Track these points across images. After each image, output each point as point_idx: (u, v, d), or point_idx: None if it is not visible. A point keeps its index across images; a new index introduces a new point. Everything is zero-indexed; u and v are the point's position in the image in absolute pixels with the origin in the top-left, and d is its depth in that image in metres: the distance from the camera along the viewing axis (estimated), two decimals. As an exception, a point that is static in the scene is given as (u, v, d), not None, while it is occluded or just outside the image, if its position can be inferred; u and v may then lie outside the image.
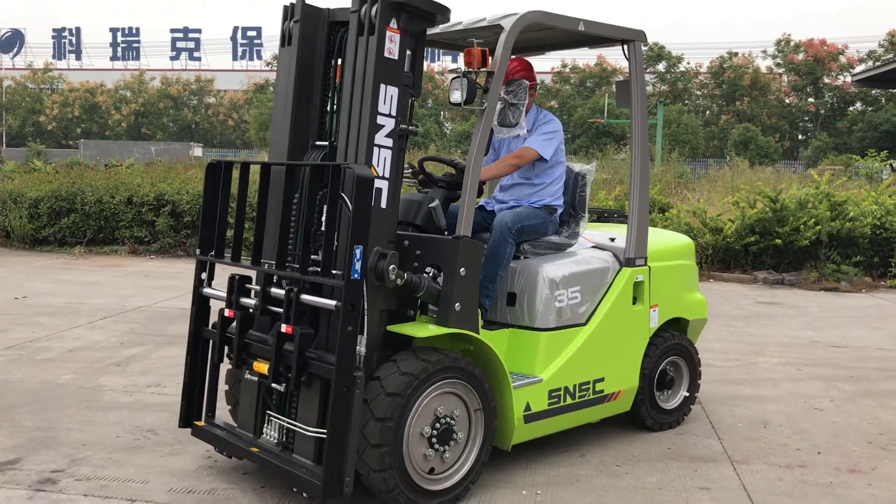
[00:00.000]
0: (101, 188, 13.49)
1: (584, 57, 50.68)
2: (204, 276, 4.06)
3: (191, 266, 12.90)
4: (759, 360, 6.86)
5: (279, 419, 3.77)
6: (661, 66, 50.31)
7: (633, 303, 4.65)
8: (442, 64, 51.00)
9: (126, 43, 62.57)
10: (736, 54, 50.41)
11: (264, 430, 3.87)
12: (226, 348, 3.96)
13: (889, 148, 29.71)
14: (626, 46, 4.60)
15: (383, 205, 3.63)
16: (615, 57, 47.55)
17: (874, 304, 10.03)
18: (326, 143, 3.87)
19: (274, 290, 3.74)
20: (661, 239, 5.21)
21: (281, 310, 3.66)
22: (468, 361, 3.70)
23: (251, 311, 3.83)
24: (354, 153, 3.63)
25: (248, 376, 3.85)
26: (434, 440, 3.60)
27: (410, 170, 4.43)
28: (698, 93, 52.78)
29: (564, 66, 50.68)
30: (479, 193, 4.26)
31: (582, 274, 4.46)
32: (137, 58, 61.90)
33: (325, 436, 3.51)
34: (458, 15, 4.20)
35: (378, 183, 3.58)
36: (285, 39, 3.95)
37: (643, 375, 4.69)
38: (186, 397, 4.08)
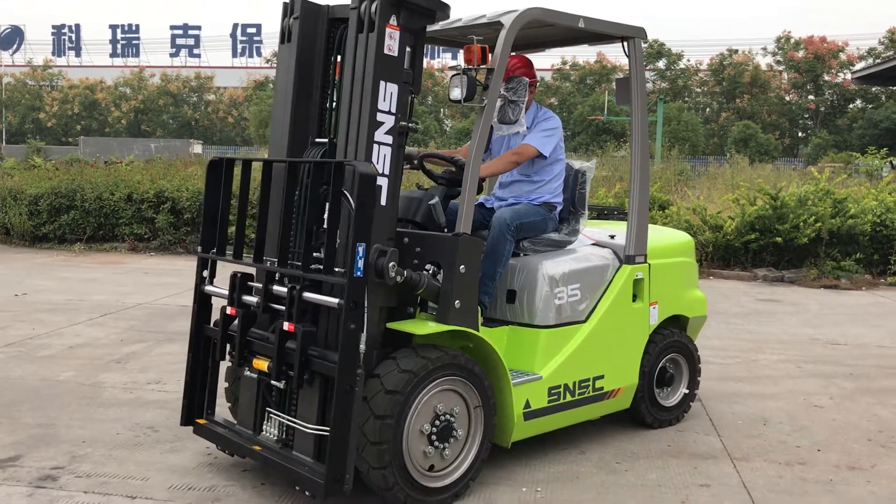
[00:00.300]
0: (101, 185, 13.49)
1: (584, 54, 50.71)
2: (205, 273, 4.04)
3: (190, 263, 12.92)
4: (758, 357, 6.86)
5: (279, 416, 3.77)
6: (661, 64, 50.29)
7: (633, 300, 4.65)
8: (442, 61, 50.95)
9: (126, 40, 62.53)
10: (736, 51, 50.41)
11: (264, 427, 3.87)
12: (227, 346, 3.95)
13: (889, 145, 29.67)
14: (626, 43, 4.60)
15: (383, 202, 3.62)
16: (615, 54, 47.59)
17: (874, 301, 10.03)
18: (326, 140, 3.87)
19: (276, 287, 3.73)
20: (660, 236, 5.21)
21: (282, 307, 3.66)
22: (468, 359, 3.70)
23: (253, 308, 3.83)
24: (354, 150, 3.63)
25: (247, 373, 3.85)
26: (434, 437, 3.61)
27: (408, 165, 4.43)
28: (698, 90, 52.77)
29: (564, 63, 50.67)
30: (479, 190, 4.26)
31: (582, 271, 4.46)
32: (137, 55, 61.88)
33: (325, 433, 3.52)
34: (458, 12, 4.20)
35: (378, 180, 3.57)
36: (285, 36, 3.95)
37: (643, 373, 4.69)
38: (188, 395, 4.07)
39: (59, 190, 13.46)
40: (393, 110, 3.64)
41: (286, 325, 3.56)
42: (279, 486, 3.83)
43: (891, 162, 25.01)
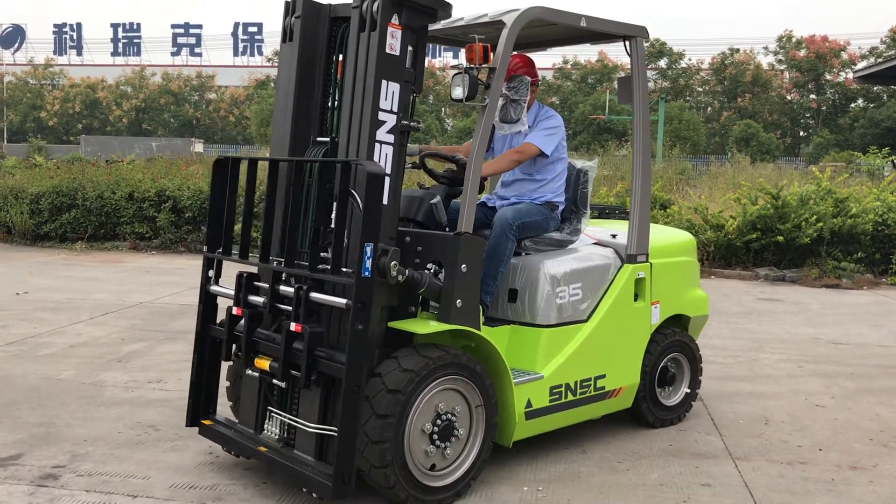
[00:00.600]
0: (102, 184, 13.50)
1: (586, 53, 50.77)
2: (211, 273, 4.03)
3: (191, 262, 12.93)
4: (760, 356, 6.85)
5: (280, 415, 3.77)
6: (662, 63, 50.26)
7: (635, 299, 4.65)
8: (443, 60, 50.95)
9: (127, 38, 62.58)
10: (737, 50, 50.38)
11: (265, 426, 3.87)
12: (233, 346, 3.94)
13: (891, 145, 29.65)
14: (627, 43, 4.59)
15: (385, 201, 3.62)
16: (616, 53, 47.63)
17: (875, 301, 10.02)
18: (327, 139, 3.87)
19: (282, 287, 3.72)
20: (662, 235, 5.20)
21: (288, 307, 3.65)
22: (469, 358, 3.70)
23: (259, 309, 3.82)
24: (356, 149, 3.62)
25: (249, 372, 3.84)
26: (435, 437, 3.60)
27: (410, 165, 4.42)
28: (700, 89, 52.73)
29: (566, 62, 50.65)
30: (481, 189, 4.26)
31: (583, 270, 4.45)
32: (138, 53, 61.94)
33: (329, 433, 3.52)
34: (460, 11, 4.19)
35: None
36: (286, 35, 3.94)
37: (644, 372, 4.68)
38: (193, 396, 4.07)
39: (61, 189, 13.46)
40: (394, 109, 3.63)
41: (293, 326, 3.55)
42: (281, 485, 3.83)
43: (892, 161, 25.00)
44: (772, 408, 5.37)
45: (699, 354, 5.09)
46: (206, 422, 4.05)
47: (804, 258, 11.46)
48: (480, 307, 3.96)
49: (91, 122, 55.70)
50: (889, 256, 11.43)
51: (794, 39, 49.82)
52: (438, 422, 3.61)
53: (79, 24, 62.92)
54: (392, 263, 3.48)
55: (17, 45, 62.52)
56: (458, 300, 3.73)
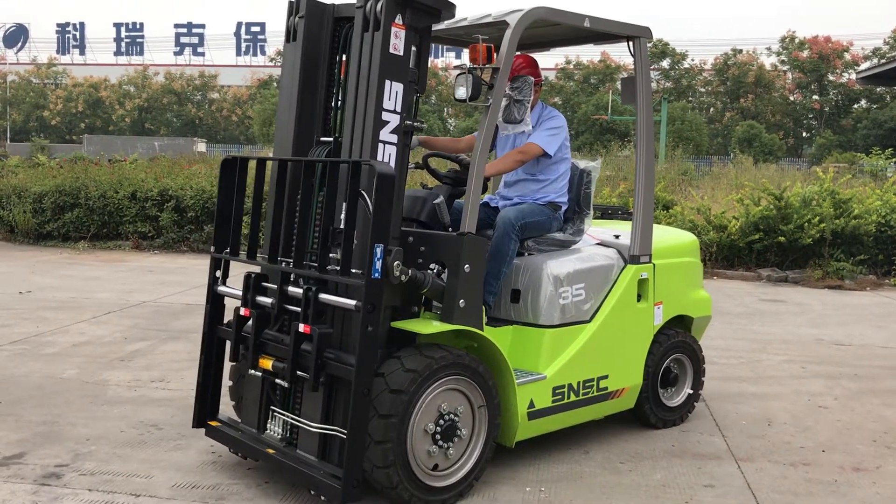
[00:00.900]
0: (105, 183, 13.52)
1: (588, 53, 50.70)
2: (218, 273, 4.03)
3: (194, 261, 12.92)
4: (762, 357, 6.85)
5: (284, 415, 3.77)
6: (665, 63, 50.22)
7: (638, 300, 4.64)
8: (446, 60, 50.95)
9: (130, 38, 62.64)
10: (740, 51, 50.35)
11: (268, 425, 3.87)
12: (240, 347, 3.94)
13: (894, 145, 29.58)
14: (631, 43, 4.59)
15: (392, 201, 3.61)
16: (619, 53, 47.53)
17: (878, 302, 10.01)
18: (331, 138, 3.87)
19: (291, 288, 3.71)
20: (665, 236, 5.20)
21: (296, 308, 3.64)
22: (472, 358, 3.70)
23: (267, 309, 3.81)
24: (359, 149, 3.62)
25: (252, 372, 3.84)
26: (438, 437, 3.60)
27: (413, 165, 4.42)
28: (702, 90, 52.69)
29: (568, 62, 50.62)
30: (484, 189, 4.26)
31: (586, 271, 4.45)
32: (141, 53, 61.98)
33: (331, 432, 3.52)
34: (463, 11, 4.19)
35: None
36: (290, 35, 3.94)
37: (647, 373, 4.68)
38: (200, 397, 4.07)
39: (64, 188, 13.48)
40: (398, 109, 3.63)
41: (302, 327, 3.55)
42: (283, 485, 3.83)
43: (895, 162, 24.94)
44: (775, 409, 5.36)
45: (702, 355, 5.09)
46: (213, 423, 4.05)
47: (807, 259, 11.45)
48: (483, 307, 3.96)
49: (94, 122, 55.76)
50: (892, 257, 11.42)
51: (797, 40, 49.77)
52: (441, 422, 3.61)
53: (82, 24, 63.02)
54: (395, 263, 3.48)
55: (20, 44, 62.60)
56: (461, 300, 3.73)
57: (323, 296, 3.54)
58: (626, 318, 4.57)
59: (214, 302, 4.04)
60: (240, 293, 3.89)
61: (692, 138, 39.31)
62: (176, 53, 61.73)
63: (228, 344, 4.00)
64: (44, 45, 62.48)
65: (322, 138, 3.91)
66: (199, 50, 61.93)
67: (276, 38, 57.63)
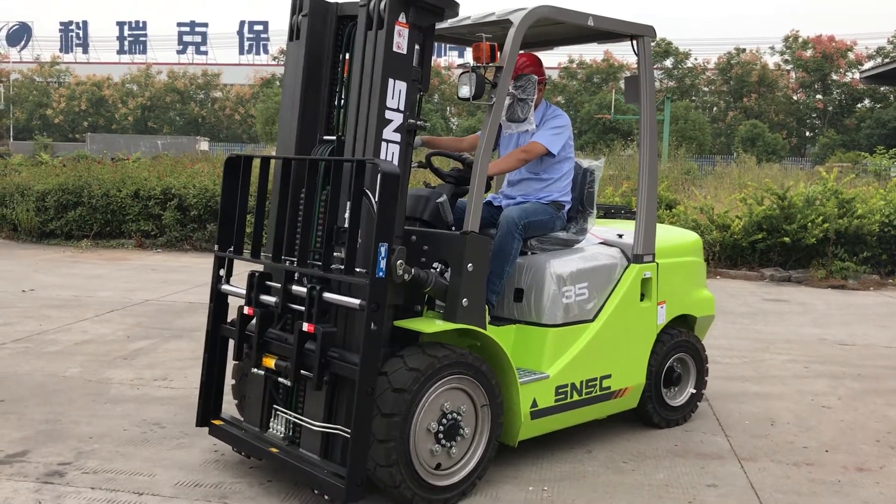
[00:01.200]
0: (108, 182, 13.52)
1: (591, 52, 50.67)
2: (222, 272, 4.02)
3: (197, 260, 12.91)
4: (765, 357, 6.84)
5: (286, 414, 3.77)
6: (668, 62, 50.18)
7: (641, 299, 4.64)
8: (448, 59, 50.95)
9: (133, 36, 62.71)
10: (744, 50, 50.30)
11: (271, 424, 3.87)
12: (244, 346, 3.93)
13: (897, 145, 29.57)
14: (635, 42, 4.58)
15: (397, 200, 3.60)
16: (622, 53, 47.55)
17: (882, 301, 9.99)
18: (334, 137, 3.86)
19: (295, 287, 3.71)
20: (668, 235, 5.19)
21: (300, 307, 3.64)
22: (475, 357, 3.70)
23: (271, 308, 3.81)
24: (362, 148, 3.62)
25: (255, 370, 3.84)
26: (441, 436, 3.60)
27: (417, 164, 4.42)
28: (706, 89, 52.64)
29: (571, 61, 50.60)
30: (487, 189, 4.25)
31: (589, 270, 4.44)
32: (144, 51, 62.04)
33: (334, 431, 3.52)
34: (467, 10, 4.18)
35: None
36: (293, 33, 3.94)
37: (650, 372, 4.67)
38: (203, 395, 4.06)
39: (67, 186, 13.49)
40: (401, 108, 3.63)
41: (306, 326, 3.55)
42: (286, 484, 3.83)
43: (899, 162, 24.90)
44: (778, 408, 5.36)
45: (705, 355, 5.08)
46: (216, 421, 4.05)
47: (810, 259, 11.43)
48: (486, 306, 3.95)
49: (97, 120, 55.82)
50: (895, 257, 11.39)
51: (800, 39, 49.70)
52: (444, 421, 3.61)
53: (85, 22, 63.10)
54: (398, 262, 3.48)
55: (23, 42, 62.67)
56: (464, 299, 3.73)
57: (327, 295, 3.54)
58: (629, 317, 4.56)
59: (218, 301, 4.04)
60: (243, 292, 3.89)
61: (695, 137, 39.28)
62: (179, 52, 61.80)
63: (232, 343, 4.00)
64: (47, 44, 62.64)
65: (325, 137, 3.91)
66: (203, 48, 61.97)
67: (279, 36, 57.66)
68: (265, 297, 3.83)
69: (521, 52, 4.41)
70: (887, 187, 12.98)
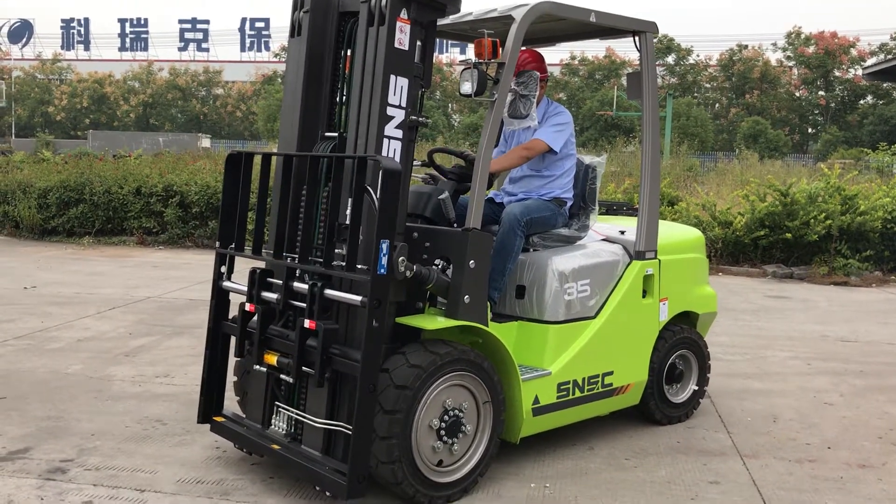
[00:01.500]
0: (110, 179, 13.52)
1: (593, 49, 50.59)
2: (223, 269, 4.02)
3: (199, 256, 12.91)
4: (767, 354, 6.83)
5: (289, 411, 3.77)
6: (670, 59, 50.10)
7: (643, 296, 4.63)
8: (450, 55, 50.88)
9: (134, 33, 62.69)
10: (746, 47, 50.18)
11: (273, 420, 3.87)
12: (245, 343, 3.93)
13: (900, 141, 29.53)
14: (637, 38, 4.57)
15: (398, 197, 3.60)
16: (624, 49, 47.47)
17: (884, 298, 9.98)
18: (336, 134, 3.86)
19: (296, 284, 3.70)
20: (671, 232, 5.18)
21: (301, 304, 3.63)
22: (477, 354, 3.69)
23: (273, 305, 3.80)
24: (364, 144, 3.61)
25: (257, 367, 3.84)
26: (443, 432, 3.60)
27: (420, 162, 4.41)
28: (708, 85, 52.55)
29: (573, 58, 50.52)
30: (489, 185, 4.24)
31: (591, 267, 4.44)
32: (146, 48, 62.04)
33: (337, 428, 3.51)
34: (469, 6, 4.18)
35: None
36: (295, 30, 3.93)
37: (652, 369, 4.67)
38: (205, 392, 4.06)
39: (68, 183, 13.48)
40: (403, 104, 3.62)
41: (307, 323, 3.55)
42: (288, 480, 3.83)
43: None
44: (780, 405, 5.35)
45: (707, 351, 5.08)
46: (218, 418, 4.05)
47: (812, 255, 11.42)
48: (488, 303, 3.95)
49: (98, 117, 55.82)
50: (898, 254, 11.38)
51: (802, 36, 49.60)
52: (446, 418, 3.61)
53: (86, 19, 63.12)
54: (400, 259, 3.47)
55: (24, 39, 62.68)
56: (466, 296, 3.72)
57: (328, 291, 3.54)
58: (631, 314, 4.56)
59: (219, 297, 4.04)
60: (245, 288, 3.89)
61: (697, 134, 39.23)
62: (180, 49, 61.79)
63: (234, 339, 3.99)
64: (48, 41, 62.57)
65: (327, 133, 3.90)
66: (204, 45, 61.95)
67: (280, 33, 57.60)
68: (266, 294, 3.82)
69: (523, 48, 4.40)
70: (890, 184, 12.96)
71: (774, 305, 9.21)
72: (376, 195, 3.35)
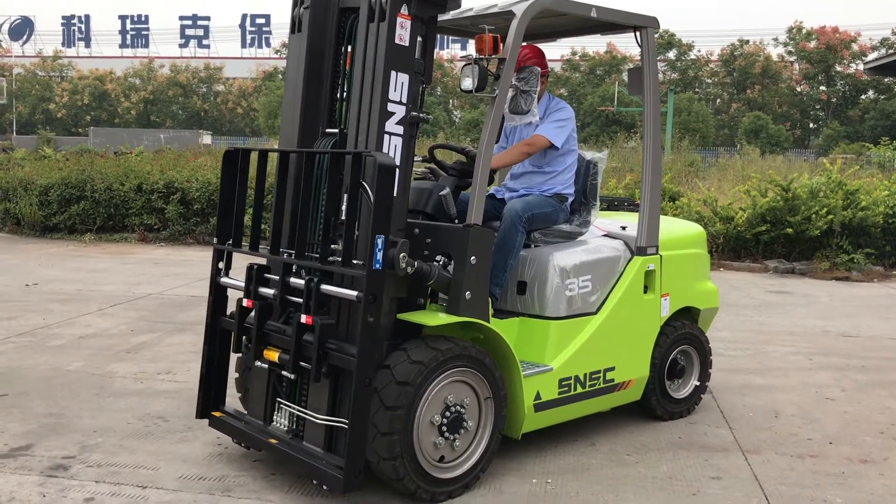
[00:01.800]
0: (111, 176, 13.52)
1: (594, 44, 50.47)
2: (221, 265, 4.03)
3: (200, 253, 12.91)
4: (769, 349, 6.83)
5: (290, 407, 3.77)
6: (671, 54, 50.03)
7: (645, 292, 4.63)
8: (451, 51, 50.81)
9: (135, 30, 62.60)
10: (747, 42, 50.10)
11: (274, 417, 3.87)
12: (243, 338, 3.94)
13: (901, 136, 29.49)
14: (638, 33, 4.56)
15: (394, 192, 3.60)
16: (625, 44, 47.35)
17: (886, 293, 9.97)
18: (336, 130, 3.85)
19: (293, 279, 3.71)
20: (672, 227, 5.18)
21: (299, 299, 3.64)
22: (478, 350, 3.69)
23: (270, 300, 3.81)
24: (365, 140, 3.61)
25: (258, 364, 3.84)
26: (444, 428, 3.60)
27: (421, 158, 4.41)
28: (709, 81, 52.48)
29: (574, 53, 50.44)
30: (490, 181, 4.24)
31: (593, 262, 4.44)
32: (146, 45, 61.95)
33: (337, 424, 3.52)
34: (469, 1, 4.17)
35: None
36: (295, 26, 3.93)
37: (654, 364, 4.67)
38: (203, 387, 4.07)
39: (70, 180, 13.49)
40: (404, 100, 3.62)
41: (304, 318, 3.55)
42: (289, 477, 3.83)
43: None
44: (782, 401, 5.35)
45: (709, 347, 5.07)
46: (217, 413, 4.06)
47: (814, 250, 11.41)
48: (489, 299, 3.95)
49: (99, 114, 55.79)
50: (900, 249, 11.37)
51: (804, 30, 49.50)
52: (447, 414, 3.61)
53: (87, 16, 63.02)
54: (401, 255, 3.47)
55: (25, 36, 62.59)
56: (468, 292, 3.72)
57: (324, 287, 3.54)
58: (632, 309, 4.56)
59: (217, 293, 4.04)
60: (242, 284, 3.89)
61: (698, 129, 39.18)
62: (181, 46, 61.69)
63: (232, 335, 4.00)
64: (49, 38, 62.61)
65: (328, 130, 3.90)
66: (205, 42, 61.87)
67: (281, 29, 57.51)
68: (264, 290, 3.83)
69: (524, 43, 4.39)
70: (892, 179, 12.93)
71: (776, 301, 9.20)
72: (372, 190, 3.35)
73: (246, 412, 4.10)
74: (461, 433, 3.66)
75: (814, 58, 48.59)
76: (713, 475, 4.04)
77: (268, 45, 60.86)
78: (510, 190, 4.69)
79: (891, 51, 42.23)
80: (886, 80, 45.97)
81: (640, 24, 4.53)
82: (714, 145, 40.28)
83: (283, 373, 3.71)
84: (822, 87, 50.15)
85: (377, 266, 3.32)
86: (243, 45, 61.82)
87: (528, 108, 4.17)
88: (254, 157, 3.97)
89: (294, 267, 3.76)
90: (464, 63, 3.83)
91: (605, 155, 4.97)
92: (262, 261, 3.91)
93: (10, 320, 7.18)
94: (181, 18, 62.22)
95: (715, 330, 6.40)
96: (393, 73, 3.56)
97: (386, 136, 3.58)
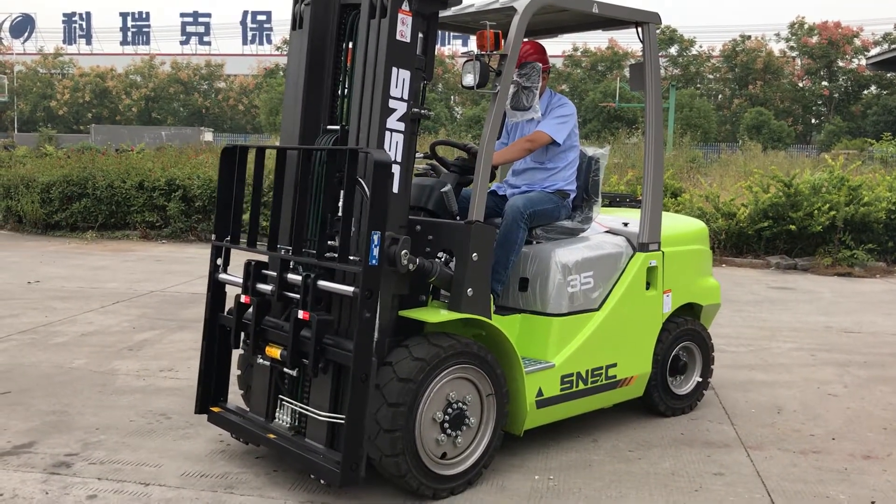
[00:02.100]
0: (113, 173, 13.52)
1: (596, 40, 50.47)
2: (219, 261, 4.03)
3: (202, 251, 12.91)
4: (771, 345, 6.82)
5: (291, 404, 3.77)
6: (673, 50, 49.95)
7: (647, 288, 4.62)
8: (452, 48, 50.78)
9: (136, 27, 62.61)
10: (749, 37, 50.01)
11: (276, 414, 3.87)
12: (242, 334, 3.95)
13: (904, 132, 29.42)
14: (640, 29, 4.55)
15: (395, 189, 3.60)
16: (627, 40, 47.37)
17: (888, 289, 9.96)
18: (338, 127, 3.85)
19: (290, 275, 3.71)
20: (674, 224, 5.17)
21: (296, 295, 3.64)
22: (480, 347, 3.69)
23: (267, 297, 3.81)
24: (366, 137, 3.61)
25: (260, 361, 3.85)
26: (446, 425, 3.60)
27: (423, 155, 4.40)
28: (711, 76, 52.41)
29: (576, 49, 50.40)
30: (492, 178, 4.23)
31: (595, 259, 4.43)
32: (148, 42, 61.95)
33: (339, 420, 3.52)
34: (470, -3, 4.16)
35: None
36: (296, 22, 3.92)
37: (656, 361, 4.67)
38: (202, 383, 4.08)
39: (71, 178, 13.49)
40: (405, 97, 3.61)
41: (301, 314, 3.55)
42: (292, 473, 3.83)
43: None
44: (784, 397, 5.35)
45: (711, 343, 5.07)
46: (216, 409, 4.06)
47: (816, 246, 11.40)
48: (491, 296, 3.94)
49: (101, 112, 55.80)
50: (902, 245, 11.35)
51: (806, 26, 49.41)
52: (449, 410, 3.61)
53: (88, 13, 63.00)
54: (402, 252, 3.47)
55: (26, 34, 62.60)
56: (469, 289, 3.72)
57: (321, 282, 3.54)
58: (634, 306, 4.55)
59: (215, 289, 4.05)
60: (240, 281, 3.90)
61: (700, 125, 39.12)
62: (182, 43, 61.69)
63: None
64: (50, 35, 62.54)
65: (329, 126, 3.89)
66: (206, 39, 61.87)
67: (282, 26, 57.57)
68: (261, 286, 3.83)
69: (526, 39, 4.38)
70: (894, 174, 12.91)
71: (778, 297, 9.19)
72: (367, 187, 3.35)
73: (248, 409, 4.10)
74: (463, 430, 3.66)
75: (816, 53, 48.50)
76: (716, 471, 4.04)
77: (269, 41, 60.86)
78: (512, 186, 4.69)
79: (893, 46, 42.11)
80: (889, 75, 45.85)
81: (642, 20, 4.52)
82: (716, 141, 40.24)
83: (285, 370, 3.71)
84: (825, 83, 50.06)
85: (373, 262, 3.32)
86: (244, 42, 61.83)
87: (529, 104, 4.16)
88: (252, 154, 3.97)
89: (292, 263, 3.76)
90: (465, 59, 3.82)
91: (607, 151, 4.96)
92: (261, 257, 3.92)
93: (12, 318, 7.18)
94: (182, 15, 62.23)
95: (717, 326, 6.39)
96: (394, 70, 3.56)
97: (387, 133, 3.57)
